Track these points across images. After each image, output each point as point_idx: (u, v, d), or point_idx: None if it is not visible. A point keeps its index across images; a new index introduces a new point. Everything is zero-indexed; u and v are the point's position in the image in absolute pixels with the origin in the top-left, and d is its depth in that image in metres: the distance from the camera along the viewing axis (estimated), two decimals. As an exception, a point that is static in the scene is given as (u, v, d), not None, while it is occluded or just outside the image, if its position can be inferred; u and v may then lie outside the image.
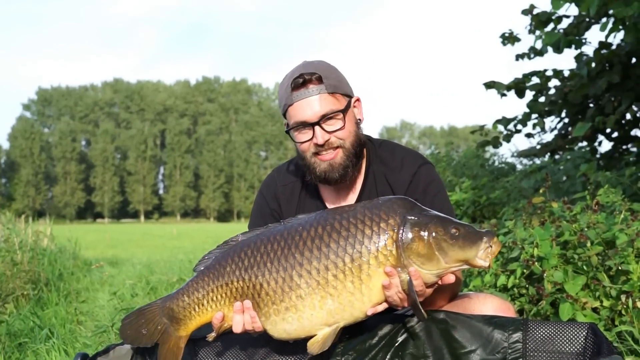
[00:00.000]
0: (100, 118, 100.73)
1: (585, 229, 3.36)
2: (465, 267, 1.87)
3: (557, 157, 7.31)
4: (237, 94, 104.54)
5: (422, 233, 1.86)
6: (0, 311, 5.20)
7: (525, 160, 8.63)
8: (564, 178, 6.15)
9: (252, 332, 2.03)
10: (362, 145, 2.32)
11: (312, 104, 2.20)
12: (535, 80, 7.00)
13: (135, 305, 5.20)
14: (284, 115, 2.31)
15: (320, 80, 2.20)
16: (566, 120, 7.20)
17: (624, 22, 5.37)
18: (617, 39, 6.25)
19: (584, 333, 1.94)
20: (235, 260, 2.03)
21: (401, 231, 1.87)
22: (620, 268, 3.10)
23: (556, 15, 6.42)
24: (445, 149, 10.44)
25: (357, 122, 2.33)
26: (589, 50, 6.71)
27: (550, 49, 6.44)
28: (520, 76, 7.03)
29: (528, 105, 7.04)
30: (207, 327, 2.10)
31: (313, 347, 1.93)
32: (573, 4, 5.57)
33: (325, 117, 2.20)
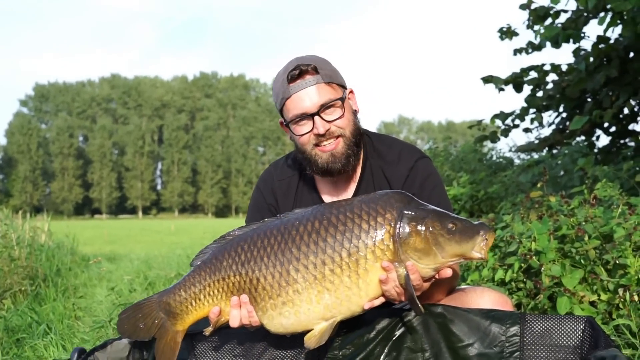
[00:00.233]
0: (98, 114, 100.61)
1: (583, 223, 3.36)
2: (462, 261, 1.88)
3: (554, 151, 7.31)
4: (234, 89, 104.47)
5: (419, 227, 1.85)
6: (-2, 307, 5.19)
7: (523, 155, 8.64)
8: (562, 172, 6.16)
9: (249, 327, 2.03)
10: (361, 134, 2.32)
11: (310, 94, 2.20)
12: (533, 74, 7.00)
13: (133, 300, 5.19)
14: (281, 110, 2.30)
15: (316, 70, 2.21)
16: (564, 114, 7.20)
17: (622, 16, 5.37)
18: (615, 33, 6.26)
19: (581, 326, 1.94)
20: (232, 255, 2.02)
21: (398, 225, 1.86)
22: (617, 262, 3.10)
23: (554, 9, 6.43)
24: (443, 143, 10.45)
25: (354, 112, 2.33)
26: (587, 44, 6.73)
27: (548, 43, 6.44)
28: (518, 71, 7.03)
29: (526, 100, 7.04)
30: (204, 321, 2.09)
31: (310, 341, 1.93)
32: (571, -2, 5.58)
33: (325, 107, 2.20)
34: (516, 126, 7.17)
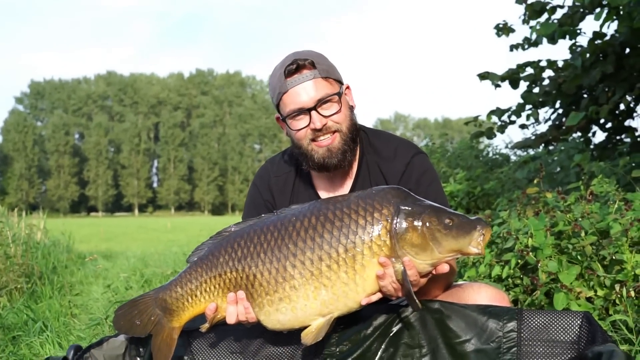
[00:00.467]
0: (94, 111, 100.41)
1: (580, 219, 3.36)
2: (459, 256, 1.87)
3: (551, 148, 7.31)
4: (230, 86, 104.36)
5: (416, 223, 1.85)
6: (-6, 304, 5.17)
7: (519, 152, 8.65)
8: (558, 169, 6.17)
9: (245, 323, 2.02)
10: (358, 130, 2.32)
11: (307, 88, 2.19)
12: (529, 71, 6.99)
13: (129, 298, 5.18)
14: (277, 105, 2.30)
15: (313, 65, 2.20)
16: (560, 111, 7.20)
17: (619, 12, 5.37)
18: (611, 29, 6.25)
19: (578, 322, 1.94)
20: (229, 251, 2.01)
21: (395, 221, 1.86)
22: (614, 258, 3.10)
23: (550, 5, 6.42)
24: (440, 140, 10.46)
25: (351, 108, 2.33)
26: (583, 40, 6.71)
27: (544, 39, 6.43)
28: (514, 67, 7.02)
29: (522, 96, 7.03)
30: (201, 318, 2.09)
31: (307, 337, 1.92)
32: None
33: (322, 101, 2.20)
34: (512, 122, 7.17)
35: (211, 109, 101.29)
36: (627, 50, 6.20)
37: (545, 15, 6.45)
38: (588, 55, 6.35)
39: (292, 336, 2.12)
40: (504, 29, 7.08)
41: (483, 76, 7.02)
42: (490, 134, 7.37)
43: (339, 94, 2.23)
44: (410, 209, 1.87)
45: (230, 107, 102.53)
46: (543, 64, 6.93)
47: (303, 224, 1.94)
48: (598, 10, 5.76)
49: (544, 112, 7.36)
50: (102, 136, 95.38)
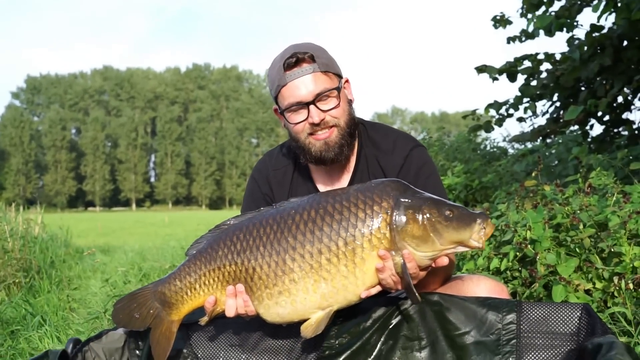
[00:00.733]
0: (90, 106, 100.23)
1: (578, 212, 3.36)
2: (460, 249, 1.86)
3: (549, 141, 7.31)
4: (227, 81, 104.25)
5: (416, 215, 1.84)
6: (-8, 299, 5.17)
7: (517, 145, 8.64)
8: (556, 162, 6.16)
9: (244, 316, 2.02)
10: (356, 124, 2.31)
11: (306, 82, 2.18)
12: (527, 63, 6.98)
13: (128, 292, 5.17)
14: (276, 98, 2.29)
15: (312, 59, 2.19)
16: (558, 103, 7.20)
17: (616, 3, 5.36)
18: (608, 21, 6.25)
19: (577, 314, 1.94)
20: (228, 244, 2.01)
21: (395, 214, 1.85)
22: (612, 250, 3.10)
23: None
24: (437, 134, 10.45)
25: (349, 101, 2.32)
26: (580, 33, 6.71)
27: (541, 32, 6.43)
28: (512, 60, 7.02)
29: (520, 89, 7.02)
30: (200, 311, 2.08)
31: (306, 330, 1.92)
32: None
33: (320, 96, 2.19)
34: (510, 115, 7.16)
35: (208, 104, 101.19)
36: (625, 42, 6.19)
37: (542, 8, 6.45)
38: (586, 48, 6.34)
39: (291, 329, 2.11)
40: (501, 21, 7.08)
41: (481, 69, 7.01)
42: (488, 128, 7.36)
43: (338, 89, 2.22)
44: (409, 201, 1.87)
45: (227, 101, 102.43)
46: (541, 57, 6.92)
47: (302, 217, 1.93)
48: (596, 2, 5.76)
49: (542, 105, 7.37)
50: (99, 131, 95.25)
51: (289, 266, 1.91)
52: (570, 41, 6.64)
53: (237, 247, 1.99)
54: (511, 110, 7.15)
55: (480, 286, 2.14)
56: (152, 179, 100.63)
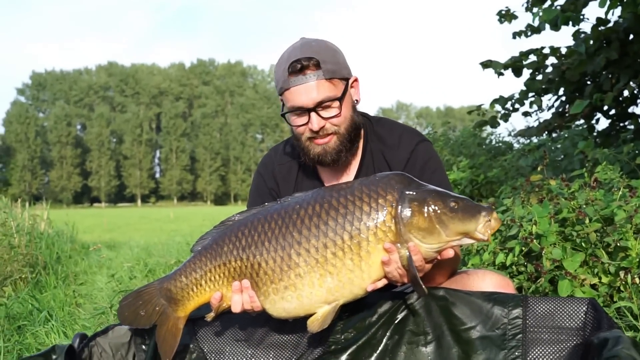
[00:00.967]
0: (95, 102, 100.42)
1: (584, 206, 3.35)
2: (465, 241, 1.86)
3: (554, 135, 7.29)
4: (232, 76, 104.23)
5: (421, 207, 1.84)
6: (-1, 294, 5.20)
7: (522, 139, 8.62)
8: (562, 156, 6.15)
9: (250, 312, 2.02)
10: (358, 128, 2.29)
11: (309, 90, 2.16)
12: (532, 58, 6.95)
13: (134, 287, 5.20)
14: (280, 95, 2.28)
15: (317, 65, 2.15)
16: (564, 98, 7.17)
17: (622, -3, 5.33)
18: (614, 15, 6.21)
19: (584, 308, 1.93)
20: (233, 240, 2.01)
21: (400, 207, 1.85)
22: (618, 244, 3.09)
23: (553, -9, 6.37)
24: (442, 129, 10.42)
25: (354, 105, 2.30)
26: (586, 27, 6.68)
27: (547, 26, 6.39)
28: (517, 54, 6.99)
29: (525, 84, 7.00)
30: (206, 307, 2.08)
31: (313, 325, 1.92)
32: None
33: (322, 104, 2.17)
34: (516, 110, 7.14)
35: (213, 99, 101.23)
36: (631, 36, 6.16)
37: (548, 2, 6.41)
38: (592, 41, 6.31)
39: (296, 324, 2.12)
40: (506, 16, 7.04)
41: (486, 64, 6.99)
42: (493, 123, 7.34)
43: (340, 98, 2.19)
44: (414, 193, 1.87)
45: (232, 97, 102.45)
46: (546, 51, 6.89)
47: (307, 211, 1.93)
48: (602, -4, 5.72)
49: (547, 100, 7.34)
50: (104, 127, 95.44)
51: (294, 261, 1.91)
52: (576, 35, 6.61)
53: (242, 243, 1.99)
54: (517, 105, 7.13)
55: (486, 281, 2.14)
56: (157, 175, 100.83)
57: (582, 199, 3.41)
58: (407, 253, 1.84)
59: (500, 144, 9.12)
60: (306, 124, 2.21)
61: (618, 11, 5.70)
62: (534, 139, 8.04)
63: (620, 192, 3.41)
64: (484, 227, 1.82)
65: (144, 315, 2.11)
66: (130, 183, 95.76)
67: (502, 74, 6.95)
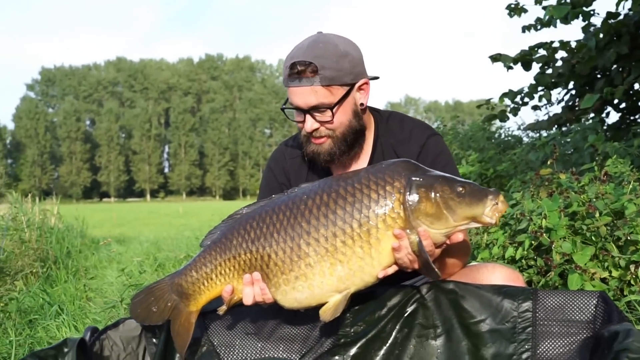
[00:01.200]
0: (104, 97, 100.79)
1: (594, 200, 3.34)
2: (473, 224, 1.87)
3: (564, 129, 7.26)
4: (240, 71, 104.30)
5: (428, 193, 1.85)
6: (10, 288, 5.22)
7: (531, 133, 8.59)
8: (571, 150, 6.12)
9: (262, 304, 2.03)
10: (358, 132, 2.26)
11: (304, 94, 2.15)
12: (541, 52, 6.93)
13: (144, 281, 5.22)
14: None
15: (315, 71, 2.12)
16: (573, 91, 7.14)
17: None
18: (624, 8, 6.16)
19: (594, 301, 1.92)
20: (242, 233, 2.01)
21: (407, 193, 1.86)
22: (629, 238, 3.08)
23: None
24: (451, 123, 10.40)
25: (355, 109, 2.25)
26: (596, 20, 6.63)
27: (557, 21, 6.36)
28: (526, 48, 6.96)
29: (535, 78, 6.97)
30: (217, 300, 2.09)
31: (325, 314, 1.93)
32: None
33: (316, 108, 2.17)
34: (525, 104, 7.12)
35: (221, 94, 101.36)
36: (642, 30, 6.13)
37: (558, -4, 6.38)
38: (602, 35, 6.27)
39: (306, 317, 2.12)
40: (516, 10, 7.01)
41: (495, 58, 6.97)
42: (503, 117, 7.33)
43: (335, 105, 2.16)
44: (421, 179, 1.88)
45: (240, 91, 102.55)
46: (556, 45, 6.86)
47: (315, 201, 1.94)
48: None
49: (557, 94, 7.31)
50: (113, 122, 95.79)
51: (304, 251, 1.91)
52: (586, 28, 6.58)
53: (251, 235, 1.99)
54: (526, 99, 7.11)
55: (496, 274, 2.14)
56: (166, 170, 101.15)
57: (592, 192, 3.40)
58: (417, 238, 1.85)
59: (510, 138, 9.09)
60: (303, 122, 2.21)
61: (628, 4, 5.66)
62: (544, 133, 8.01)
63: (631, 186, 3.39)
64: (491, 210, 1.83)
65: (156, 312, 2.12)
66: (140, 178, 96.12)
67: (511, 67, 6.93)
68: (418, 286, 2.11)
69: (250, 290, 2.00)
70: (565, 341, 1.93)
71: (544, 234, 3.31)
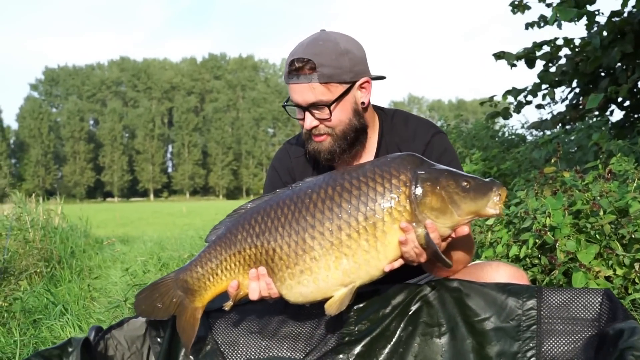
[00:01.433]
0: (108, 97, 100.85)
1: (598, 198, 3.33)
2: (478, 217, 1.89)
3: (568, 127, 7.25)
4: (243, 70, 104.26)
5: (434, 187, 1.85)
6: (15, 288, 5.22)
7: (535, 132, 8.58)
8: (575, 148, 6.11)
9: (268, 299, 2.02)
10: (359, 131, 2.25)
11: (302, 91, 2.15)
12: (545, 49, 6.91)
13: (147, 281, 5.23)
14: None
15: (313, 69, 2.11)
16: (577, 90, 7.12)
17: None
18: (628, 6, 6.14)
19: (599, 299, 1.92)
20: (246, 228, 2.01)
21: (413, 186, 1.86)
22: (633, 236, 3.07)
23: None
24: (455, 121, 10.40)
25: (356, 107, 2.23)
26: (600, 18, 6.61)
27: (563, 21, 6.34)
28: (530, 46, 6.95)
29: (539, 76, 6.96)
30: (223, 296, 2.09)
31: (331, 308, 1.92)
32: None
33: (313, 106, 2.17)
34: (529, 102, 7.10)
35: (224, 94, 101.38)
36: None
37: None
38: (606, 33, 6.25)
39: (310, 316, 2.12)
40: (519, 6, 7.00)
41: (498, 56, 6.96)
42: (506, 115, 7.32)
43: (332, 103, 2.15)
44: (427, 173, 1.88)
45: (244, 91, 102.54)
46: (559, 42, 6.85)
47: (320, 195, 1.93)
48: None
49: (561, 92, 7.30)
50: (116, 122, 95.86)
51: (309, 244, 1.91)
52: (589, 26, 6.56)
53: (256, 230, 1.99)
54: (530, 97, 7.09)
55: (500, 272, 2.13)
56: (170, 170, 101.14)
57: (597, 190, 3.40)
58: (424, 231, 1.85)
59: (513, 137, 9.08)
60: (303, 119, 2.21)
61: (633, 2, 5.64)
62: (547, 132, 8.00)
63: (635, 184, 3.38)
64: (494, 202, 1.84)
65: (161, 307, 2.12)
66: (143, 178, 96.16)
67: (515, 65, 6.91)
68: (422, 284, 2.11)
69: (256, 285, 2.00)
70: (570, 339, 1.92)
71: (548, 233, 3.31)
